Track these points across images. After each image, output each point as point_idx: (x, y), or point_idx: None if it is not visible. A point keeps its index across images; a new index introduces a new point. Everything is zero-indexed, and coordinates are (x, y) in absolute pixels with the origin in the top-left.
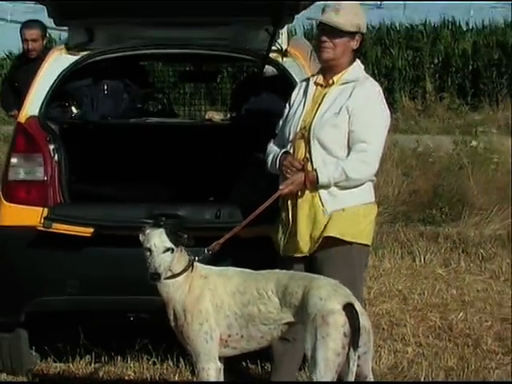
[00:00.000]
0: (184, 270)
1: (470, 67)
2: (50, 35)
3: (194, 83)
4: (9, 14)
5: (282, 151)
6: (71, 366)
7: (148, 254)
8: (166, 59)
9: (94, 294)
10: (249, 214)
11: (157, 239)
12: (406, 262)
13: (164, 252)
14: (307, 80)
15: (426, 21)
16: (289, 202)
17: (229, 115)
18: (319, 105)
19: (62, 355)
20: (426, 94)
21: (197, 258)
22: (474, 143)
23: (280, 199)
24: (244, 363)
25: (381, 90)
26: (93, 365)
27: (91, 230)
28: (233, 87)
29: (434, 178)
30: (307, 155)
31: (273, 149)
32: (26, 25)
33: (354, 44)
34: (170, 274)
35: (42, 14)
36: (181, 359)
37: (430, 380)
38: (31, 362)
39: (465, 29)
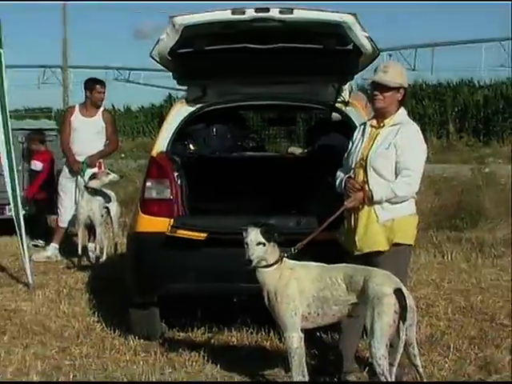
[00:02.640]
0: (276, 262)
1: (482, 114)
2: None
3: (279, 126)
4: (141, 78)
5: (347, 176)
6: (190, 334)
7: (246, 246)
8: (258, 109)
9: (208, 282)
10: (322, 223)
11: (253, 235)
12: (437, 259)
13: (257, 245)
14: (364, 123)
15: (448, 80)
16: (352, 214)
17: (305, 150)
18: (374, 141)
19: (183, 327)
20: (450, 134)
21: (285, 255)
22: (486, 170)
23: (345, 212)
24: (318, 334)
25: (419, 130)
26: (206, 334)
27: (205, 234)
28: (307, 129)
29: (457, 196)
30: (365, 179)
31: (339, 174)
32: None
33: (399, 96)
34: (264, 263)
35: (166, 79)
36: (271, 330)
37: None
38: (161, 331)
39: (478, 85)
